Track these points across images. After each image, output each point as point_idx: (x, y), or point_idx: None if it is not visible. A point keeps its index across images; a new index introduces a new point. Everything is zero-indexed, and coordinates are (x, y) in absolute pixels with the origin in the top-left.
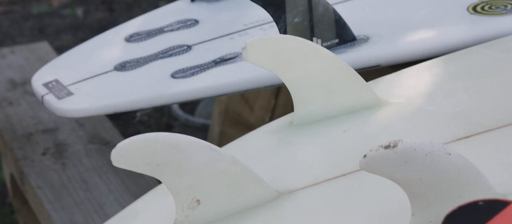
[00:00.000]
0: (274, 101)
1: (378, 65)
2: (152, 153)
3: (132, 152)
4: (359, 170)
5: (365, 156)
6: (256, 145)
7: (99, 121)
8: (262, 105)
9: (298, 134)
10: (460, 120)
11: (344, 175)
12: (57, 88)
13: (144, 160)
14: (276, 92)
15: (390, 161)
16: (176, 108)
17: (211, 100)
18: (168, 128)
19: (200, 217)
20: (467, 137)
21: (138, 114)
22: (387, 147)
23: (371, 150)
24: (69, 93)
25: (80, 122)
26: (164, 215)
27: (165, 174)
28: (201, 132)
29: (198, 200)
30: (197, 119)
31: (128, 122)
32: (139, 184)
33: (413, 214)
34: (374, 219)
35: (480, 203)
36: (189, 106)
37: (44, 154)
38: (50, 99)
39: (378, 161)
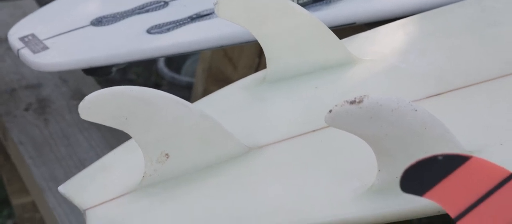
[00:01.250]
0: (258, 59)
1: (354, 23)
2: (120, 106)
3: (99, 105)
4: (328, 127)
5: (330, 111)
6: (228, 100)
7: (82, 77)
8: (246, 64)
9: (270, 90)
10: (432, 78)
11: (313, 131)
12: (33, 42)
13: (112, 113)
14: (260, 50)
15: (355, 117)
16: (162, 66)
17: (197, 58)
18: (156, 86)
19: (168, 171)
20: (438, 94)
21: (114, 69)
22: (352, 102)
23: (336, 106)
24: (45, 47)
25: (64, 78)
26: (134, 168)
27: (133, 127)
28: (186, 90)
29: (166, 154)
30: (183, 77)
31: (104, 77)
32: (121, 140)
33: (379, 170)
34: (341, 174)
35: (440, 157)
36: (176, 64)
37: (26, 109)
38: (26, 53)
39: (343, 116)
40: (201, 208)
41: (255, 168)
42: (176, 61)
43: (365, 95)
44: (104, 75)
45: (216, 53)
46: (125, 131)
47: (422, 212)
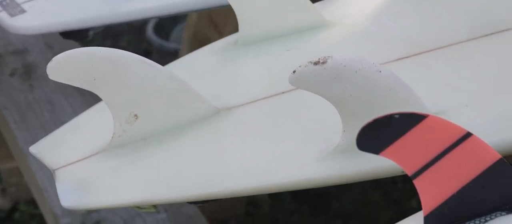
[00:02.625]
0: None
1: None
2: (88, 67)
3: (67, 65)
4: (297, 89)
5: (294, 71)
6: (199, 63)
7: (67, 43)
8: (231, 30)
9: (242, 53)
10: (403, 41)
11: (282, 93)
12: (11, 5)
13: (80, 74)
14: None
15: (319, 77)
16: (151, 33)
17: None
18: (146, 54)
19: (138, 132)
20: (408, 57)
21: (91, 32)
22: (316, 63)
23: (300, 66)
24: (22, 11)
25: (49, 44)
26: (105, 129)
27: (102, 88)
28: (174, 57)
29: (135, 115)
30: (171, 44)
31: (82, 41)
32: None
33: (344, 130)
34: (308, 135)
35: (396, 116)
36: (164, 31)
37: (12, 75)
38: (3, 17)
39: (306, 77)
40: (169, 168)
41: (223, 129)
42: (165, 28)
43: (329, 56)
44: (82, 39)
45: (201, 20)
46: (94, 92)
47: (386, 172)
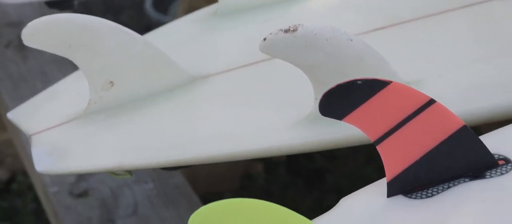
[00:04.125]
0: None
1: None
2: (63, 33)
3: (42, 32)
4: (273, 58)
5: (264, 39)
6: (178, 32)
7: None
8: None
9: (220, 23)
10: (381, 11)
11: (257, 62)
12: None
13: (55, 40)
14: None
15: (290, 45)
16: (149, 7)
17: None
18: (148, 29)
19: (113, 99)
20: (384, 27)
21: (75, 2)
22: (286, 31)
23: (270, 34)
24: None
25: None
26: (82, 96)
27: (77, 55)
28: None
29: (111, 82)
30: (169, 19)
31: (67, 10)
32: None
33: (316, 98)
34: (281, 103)
35: (359, 82)
36: (163, 6)
37: (7, 46)
38: None
39: (277, 44)
40: (143, 135)
41: (198, 97)
42: (164, 2)
43: (299, 24)
44: (66, 8)
45: None
46: (69, 58)
47: (356, 140)
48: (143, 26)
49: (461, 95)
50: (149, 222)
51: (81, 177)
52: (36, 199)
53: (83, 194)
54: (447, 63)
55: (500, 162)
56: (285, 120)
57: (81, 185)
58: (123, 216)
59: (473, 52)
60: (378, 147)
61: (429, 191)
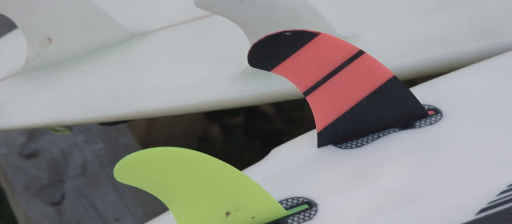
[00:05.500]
0: None
1: None
2: None
3: None
4: (213, 15)
5: None
6: None
7: None
8: None
9: None
10: None
11: (198, 18)
12: None
13: None
14: None
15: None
16: None
17: None
18: None
19: (51, 55)
20: None
21: None
22: None
23: None
24: None
25: None
26: (20, 53)
27: (14, 11)
28: None
29: (49, 39)
30: None
31: None
32: None
33: None
34: (220, 59)
35: (288, 33)
36: None
37: None
38: None
39: None
40: (81, 91)
41: (137, 53)
42: None
43: None
44: None
45: None
46: (6, 15)
47: (291, 94)
48: None
49: (397, 49)
50: (98, 182)
51: (31, 138)
52: None
53: (32, 155)
54: (383, 18)
55: (430, 112)
56: (223, 75)
57: (31, 146)
58: (72, 176)
59: (409, 7)
60: (308, 98)
61: (359, 141)
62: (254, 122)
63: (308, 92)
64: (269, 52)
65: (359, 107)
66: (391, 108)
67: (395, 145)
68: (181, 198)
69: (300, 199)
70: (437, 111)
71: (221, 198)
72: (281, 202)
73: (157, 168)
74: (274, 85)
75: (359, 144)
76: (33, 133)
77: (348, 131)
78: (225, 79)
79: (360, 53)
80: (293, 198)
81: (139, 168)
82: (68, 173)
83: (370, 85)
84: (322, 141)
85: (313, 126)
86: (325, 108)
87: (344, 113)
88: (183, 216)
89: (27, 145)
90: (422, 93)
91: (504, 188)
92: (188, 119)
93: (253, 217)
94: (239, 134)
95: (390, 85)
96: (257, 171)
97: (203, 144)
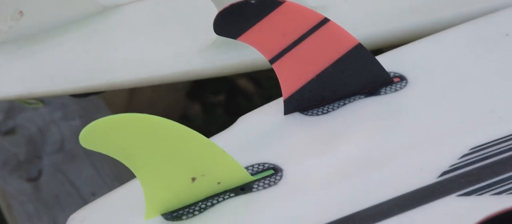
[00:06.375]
0: None
1: None
2: None
3: None
4: None
5: None
6: None
7: None
8: None
9: None
10: None
11: None
12: None
13: None
14: None
15: None
16: None
17: None
18: None
19: (23, 29)
20: None
21: None
22: None
23: None
24: None
25: None
26: None
27: None
28: None
29: (21, 12)
30: None
31: None
32: None
33: None
34: (191, 30)
35: (253, 1)
36: None
37: None
38: None
39: None
40: (52, 63)
41: (109, 26)
42: None
43: None
44: None
45: None
46: None
47: (262, 65)
48: None
49: (366, 19)
50: (76, 158)
51: (9, 115)
52: None
53: (10, 132)
54: None
55: (395, 79)
56: (194, 46)
57: (8, 123)
58: (49, 152)
59: None
60: (274, 66)
61: (325, 108)
62: (235, 100)
63: (274, 59)
64: (234, 20)
65: (325, 75)
66: (356, 75)
67: (361, 112)
68: (147, 164)
69: (266, 165)
70: (402, 78)
71: (186, 164)
72: (247, 167)
73: (123, 134)
74: (244, 56)
75: (325, 111)
76: (10, 110)
77: (314, 98)
78: (195, 50)
79: (325, 20)
80: (259, 164)
81: (105, 134)
82: (46, 149)
83: (336, 53)
84: (289, 108)
85: None
86: (291, 76)
87: (310, 80)
88: (148, 182)
89: (5, 122)
90: (388, 61)
91: (466, 151)
92: (169, 97)
93: (219, 183)
94: (220, 112)
95: (355, 52)
96: (224, 138)
97: (184, 122)
